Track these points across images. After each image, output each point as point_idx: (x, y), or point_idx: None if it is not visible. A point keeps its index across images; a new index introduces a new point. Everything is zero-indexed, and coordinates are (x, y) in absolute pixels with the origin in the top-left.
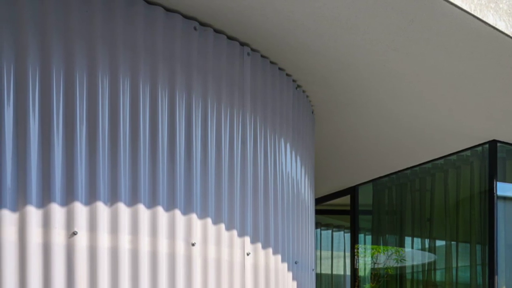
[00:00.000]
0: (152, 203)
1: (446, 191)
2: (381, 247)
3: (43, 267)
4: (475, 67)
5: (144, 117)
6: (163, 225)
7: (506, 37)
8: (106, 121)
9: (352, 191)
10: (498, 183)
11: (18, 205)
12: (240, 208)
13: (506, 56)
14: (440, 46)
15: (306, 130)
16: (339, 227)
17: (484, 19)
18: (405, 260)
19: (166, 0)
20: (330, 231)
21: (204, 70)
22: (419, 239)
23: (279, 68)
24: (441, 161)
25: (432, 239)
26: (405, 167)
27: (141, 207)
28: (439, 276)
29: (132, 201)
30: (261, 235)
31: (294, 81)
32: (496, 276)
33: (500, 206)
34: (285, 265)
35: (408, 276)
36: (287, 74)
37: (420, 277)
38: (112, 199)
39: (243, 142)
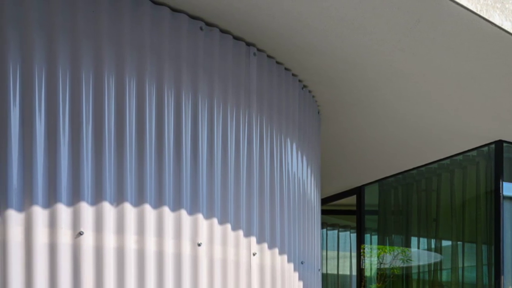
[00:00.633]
0: (158, 203)
1: (452, 191)
2: (387, 247)
3: (49, 267)
4: (481, 67)
5: (150, 117)
6: (169, 225)
7: None
8: (112, 121)
9: (358, 191)
10: (504, 183)
11: (24, 205)
12: (246, 208)
13: None
14: (446, 46)
15: (312, 130)
16: (345, 227)
17: (490, 19)
18: (411, 260)
19: (173, 0)
20: (336, 231)
21: (210, 70)
22: (425, 239)
23: (285, 68)
24: (447, 161)
25: (438, 239)
26: (411, 167)
27: (147, 207)
28: (445, 276)
29: (138, 201)
30: (267, 235)
31: (300, 81)
32: (502, 276)
33: (506, 206)
34: (291, 265)
35: (414, 276)
36: (293, 74)
37: (426, 277)
38: (118, 199)
39: (249, 142)
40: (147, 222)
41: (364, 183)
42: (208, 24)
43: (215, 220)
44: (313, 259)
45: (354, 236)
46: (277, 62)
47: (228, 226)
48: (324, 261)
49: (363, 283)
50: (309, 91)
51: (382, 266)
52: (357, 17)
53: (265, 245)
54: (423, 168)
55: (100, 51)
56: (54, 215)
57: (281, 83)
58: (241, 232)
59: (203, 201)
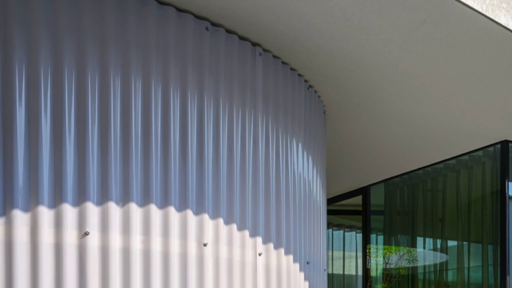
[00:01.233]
0: (164, 203)
1: (458, 191)
2: (393, 247)
3: (55, 267)
4: (487, 67)
5: (156, 117)
6: (175, 225)
7: None
8: (118, 121)
9: (364, 191)
10: (510, 183)
11: (30, 205)
12: (252, 208)
13: None
14: (452, 46)
15: (318, 130)
16: (351, 228)
17: (496, 19)
18: (417, 260)
19: (178, 0)
20: (342, 231)
21: (216, 70)
22: (431, 240)
23: (291, 69)
24: (453, 161)
25: (444, 239)
26: (417, 167)
27: (153, 207)
28: (451, 276)
29: (144, 201)
30: (273, 236)
31: (306, 81)
32: (508, 277)
33: None
34: (297, 265)
35: (420, 277)
36: (299, 75)
37: (432, 277)
38: (124, 199)
39: (255, 142)
40: (153, 222)
41: (370, 183)
42: (214, 24)
43: (221, 220)
44: (319, 259)
45: (360, 236)
46: (283, 62)
47: (234, 226)
48: (330, 261)
49: (368, 283)
50: (315, 91)
51: (388, 266)
52: (362, 17)
53: (271, 245)
54: (429, 168)
55: (106, 51)
56: (60, 215)
57: (287, 83)
58: (247, 232)
59: (209, 201)
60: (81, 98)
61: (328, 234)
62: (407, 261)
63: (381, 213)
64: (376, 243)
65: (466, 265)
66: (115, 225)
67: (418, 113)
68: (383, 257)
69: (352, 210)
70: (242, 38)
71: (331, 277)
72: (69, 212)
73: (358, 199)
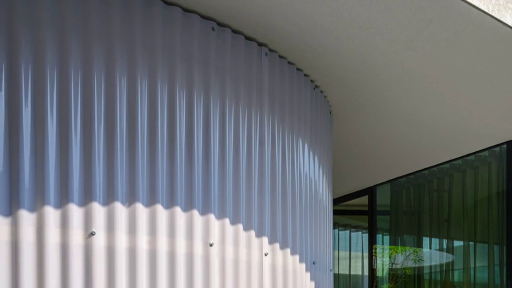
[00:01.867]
0: (170, 204)
1: (464, 191)
2: (399, 247)
3: (61, 267)
4: (493, 67)
5: (162, 118)
6: (181, 225)
7: None
8: (124, 122)
9: (370, 192)
10: None
11: (36, 205)
12: (258, 208)
13: None
14: (458, 46)
15: (324, 131)
16: (357, 228)
17: (502, 19)
18: (423, 260)
19: (184, 0)
20: (348, 232)
21: (222, 70)
22: (437, 240)
23: (297, 69)
24: (459, 161)
25: (450, 239)
26: (423, 167)
27: (159, 208)
28: (457, 276)
29: (150, 202)
30: (279, 236)
31: (312, 81)
32: None
33: None
34: (303, 265)
35: (426, 277)
36: (305, 75)
37: (438, 277)
38: (130, 200)
39: (261, 143)
40: (159, 223)
41: (376, 183)
42: (220, 24)
43: (227, 220)
44: (325, 259)
45: (366, 236)
46: (289, 63)
47: (240, 226)
48: (336, 261)
49: (375, 284)
50: (321, 91)
51: (394, 267)
52: (368, 17)
53: (277, 246)
54: (435, 168)
55: (112, 51)
56: (66, 215)
57: (293, 83)
58: (253, 233)
59: (215, 201)
60: (87, 98)
61: (334, 234)
62: (413, 261)
63: (387, 213)
64: (382, 243)
65: (472, 265)
66: (121, 225)
67: (424, 113)
68: (389, 257)
69: (358, 210)
70: (248, 38)
71: (337, 277)
72: (75, 212)
73: (364, 199)
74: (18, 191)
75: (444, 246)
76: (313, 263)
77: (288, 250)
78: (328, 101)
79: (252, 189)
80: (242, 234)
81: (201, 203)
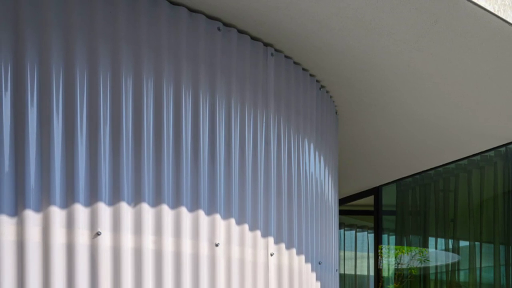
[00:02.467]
0: (176, 204)
1: (469, 191)
2: (405, 247)
3: (67, 267)
4: (499, 67)
5: (167, 118)
6: (187, 225)
7: None
8: (130, 122)
9: (376, 192)
10: None
11: (42, 205)
12: (264, 208)
13: None
14: (464, 46)
15: (330, 131)
16: (362, 228)
17: (508, 19)
18: (428, 260)
19: (190, 0)
20: (353, 232)
21: (227, 70)
22: (443, 240)
23: (303, 69)
24: (465, 161)
25: (456, 239)
26: (429, 167)
27: (165, 208)
28: (462, 276)
29: (156, 202)
30: (285, 236)
31: (317, 81)
32: None
33: None
34: (309, 265)
35: (432, 277)
36: (310, 75)
37: (444, 277)
38: (136, 200)
39: (267, 143)
40: (165, 223)
41: (381, 184)
42: (226, 24)
43: (232, 221)
44: (331, 259)
45: (371, 236)
46: (295, 63)
47: (246, 226)
48: (342, 262)
49: (380, 284)
50: (327, 92)
51: (399, 267)
52: (374, 17)
53: (283, 246)
54: (440, 169)
55: (118, 51)
56: (71, 216)
57: (299, 83)
58: (258, 233)
59: (221, 202)
60: (93, 98)
61: (340, 234)
62: (418, 261)
63: (393, 213)
64: (388, 243)
65: (478, 265)
66: (127, 225)
67: (430, 113)
68: (395, 257)
69: (364, 210)
70: (254, 38)
71: (343, 277)
72: (81, 212)
73: (370, 199)
74: (24, 191)
75: (450, 246)
76: (319, 263)
77: (294, 250)
78: (333, 101)
79: (258, 189)
80: (248, 234)
81: (207, 203)
